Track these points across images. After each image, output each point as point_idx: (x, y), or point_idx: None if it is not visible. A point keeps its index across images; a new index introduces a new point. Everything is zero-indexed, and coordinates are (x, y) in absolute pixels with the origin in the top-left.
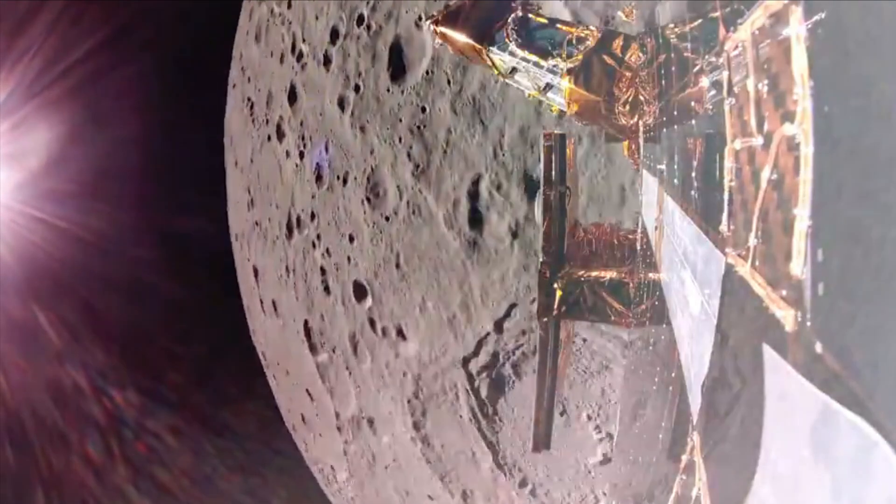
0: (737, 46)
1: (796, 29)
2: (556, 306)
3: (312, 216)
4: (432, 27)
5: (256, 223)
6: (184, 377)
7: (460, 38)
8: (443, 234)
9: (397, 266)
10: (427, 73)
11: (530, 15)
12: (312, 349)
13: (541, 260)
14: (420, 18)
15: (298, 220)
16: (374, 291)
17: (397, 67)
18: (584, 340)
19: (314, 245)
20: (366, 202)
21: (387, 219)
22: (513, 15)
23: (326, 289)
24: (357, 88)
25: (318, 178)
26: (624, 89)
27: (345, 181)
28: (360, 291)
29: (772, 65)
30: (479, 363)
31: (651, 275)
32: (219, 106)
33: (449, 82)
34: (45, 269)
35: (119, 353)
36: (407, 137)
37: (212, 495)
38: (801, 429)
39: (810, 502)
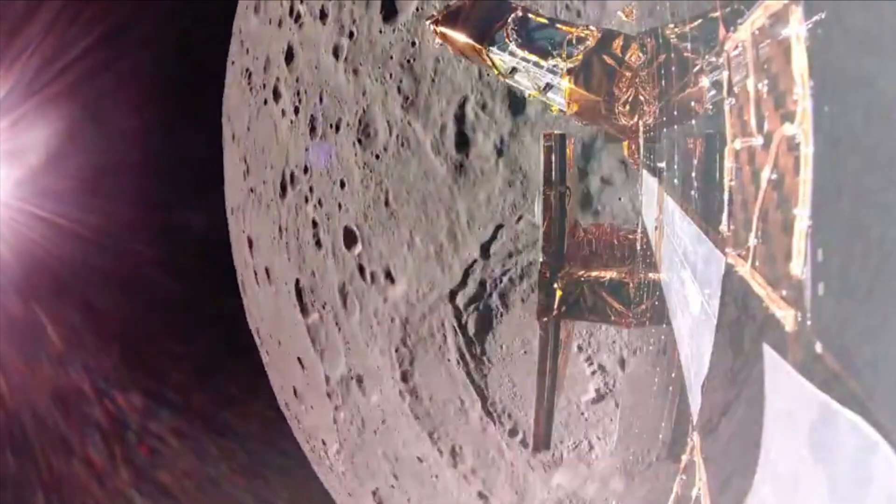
0: (737, 46)
1: (796, 29)
2: (556, 306)
3: (306, 170)
4: (432, 27)
5: (251, 190)
6: (185, 377)
7: (460, 38)
8: (430, 163)
9: (386, 204)
10: (417, 9)
11: (530, 15)
12: (304, 311)
13: (541, 260)
14: None
15: (292, 176)
16: (364, 235)
17: (389, 10)
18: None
19: (307, 199)
20: (357, 144)
21: (377, 157)
22: (513, 15)
23: (318, 242)
24: (351, 35)
25: (312, 129)
26: (624, 89)
27: (337, 128)
28: (350, 238)
29: (772, 65)
30: (467, 295)
31: (651, 275)
32: (218, 102)
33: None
34: (44, 267)
35: (119, 352)
36: (397, 73)
37: (215, 497)
38: (801, 429)
39: (810, 502)
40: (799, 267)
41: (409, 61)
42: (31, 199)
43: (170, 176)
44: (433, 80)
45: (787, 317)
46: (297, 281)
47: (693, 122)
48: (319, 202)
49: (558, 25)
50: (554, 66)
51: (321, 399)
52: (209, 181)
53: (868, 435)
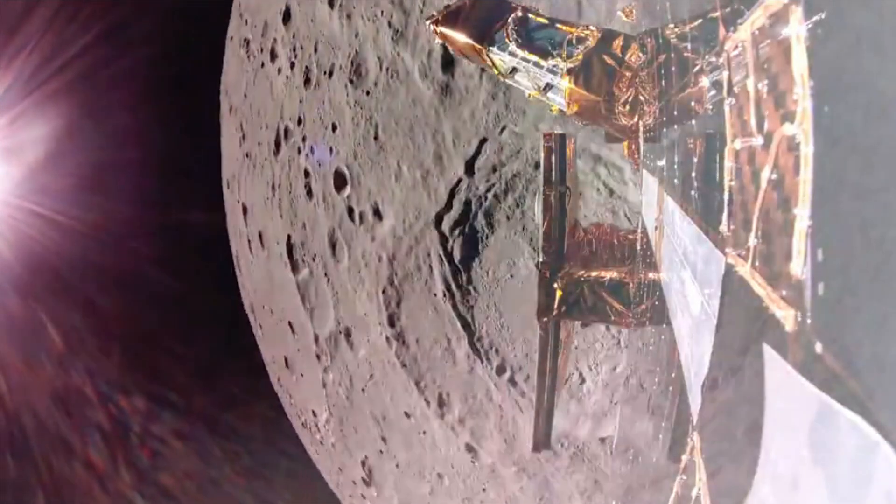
0: (737, 46)
1: (796, 29)
2: (556, 306)
3: (300, 121)
4: (432, 27)
5: (246, 155)
6: (186, 378)
7: (460, 38)
8: (418, 89)
9: (375, 138)
10: None
11: (530, 15)
12: (294, 268)
13: (541, 260)
14: None
15: (286, 130)
16: (353, 175)
17: None
18: None
19: (299, 150)
20: (349, 84)
21: (367, 93)
22: (513, 15)
23: (309, 192)
24: None
25: (307, 80)
26: (624, 89)
27: (330, 74)
28: (340, 181)
29: (772, 65)
30: (452, 218)
31: (651, 275)
32: (218, 101)
33: None
34: (43, 264)
35: (121, 353)
36: (388, 9)
37: (217, 499)
38: (800, 429)
39: (810, 502)
40: (799, 267)
41: None
42: (29, 197)
43: (169, 174)
44: (422, 11)
45: (787, 317)
46: (289, 237)
47: (693, 122)
48: (312, 150)
49: (558, 25)
50: (554, 66)
51: (311, 363)
52: (209, 179)
53: (868, 435)
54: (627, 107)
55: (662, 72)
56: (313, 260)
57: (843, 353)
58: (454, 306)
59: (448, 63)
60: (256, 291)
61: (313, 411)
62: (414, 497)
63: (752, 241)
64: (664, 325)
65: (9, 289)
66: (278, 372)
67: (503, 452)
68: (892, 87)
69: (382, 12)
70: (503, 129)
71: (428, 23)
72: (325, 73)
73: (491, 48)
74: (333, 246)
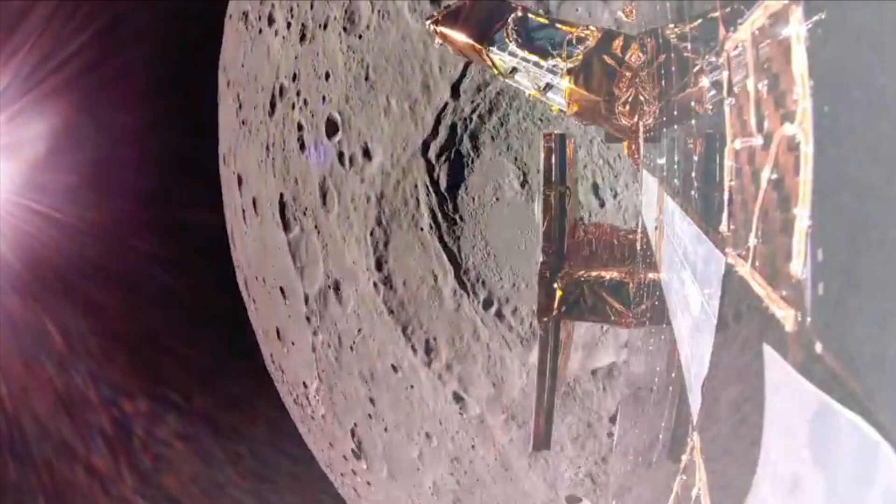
0: (737, 46)
1: (796, 29)
2: (556, 306)
3: (294, 77)
4: (432, 27)
5: (242, 122)
6: (189, 379)
7: (460, 38)
8: (407, 25)
9: (366, 79)
10: None
11: (530, 15)
12: (286, 227)
13: (541, 260)
14: None
15: (281, 88)
16: (345, 119)
17: None
18: None
19: (293, 105)
20: (342, 33)
21: (360, 37)
22: (513, 15)
23: (301, 146)
24: None
25: (302, 37)
26: (624, 89)
27: (325, 26)
28: (331, 128)
29: (772, 65)
30: (438, 144)
31: (651, 275)
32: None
33: None
34: (43, 262)
35: (122, 353)
36: None
37: (221, 502)
38: (801, 429)
39: (810, 502)
40: (799, 267)
41: None
42: (28, 194)
43: (169, 172)
44: None
45: (787, 317)
46: (281, 196)
47: (693, 122)
48: (305, 102)
49: (558, 25)
50: (554, 66)
51: (301, 327)
52: (210, 177)
53: (868, 435)
54: (627, 107)
55: (662, 72)
56: (304, 214)
57: (843, 353)
58: (440, 238)
59: None
60: (250, 264)
61: (304, 383)
62: (402, 464)
63: (752, 241)
64: (664, 325)
65: (8, 287)
66: (270, 347)
67: (491, 398)
68: (892, 85)
69: None
70: None
71: (428, 23)
72: (319, 26)
73: (491, 48)
74: (324, 196)
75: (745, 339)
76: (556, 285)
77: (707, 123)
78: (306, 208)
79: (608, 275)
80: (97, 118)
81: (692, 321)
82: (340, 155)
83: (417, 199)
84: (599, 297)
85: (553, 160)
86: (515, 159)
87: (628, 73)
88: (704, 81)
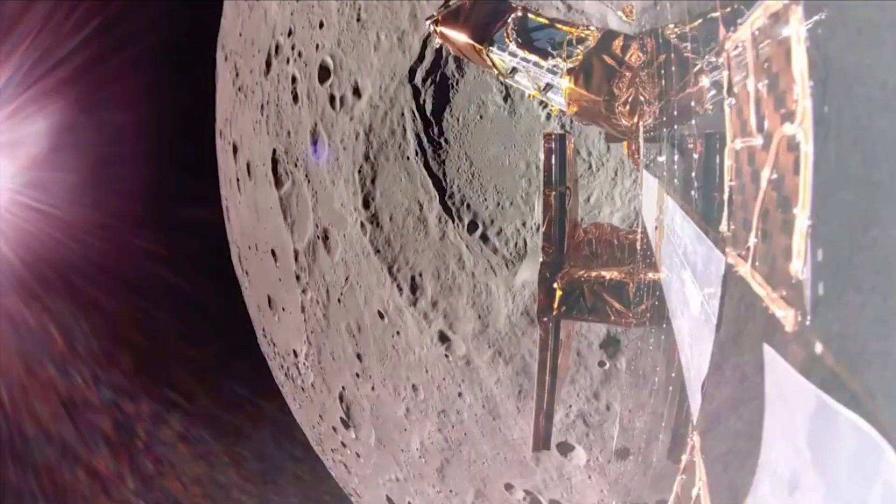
0: (737, 46)
1: (796, 29)
2: (556, 306)
3: (290, 32)
4: (432, 27)
5: (239, 89)
6: (192, 380)
7: (460, 38)
8: None
9: (358, 20)
10: None
11: (530, 15)
12: (278, 184)
13: (541, 260)
14: None
15: (277, 46)
16: (336, 62)
17: None
18: None
19: (288, 60)
20: None
21: None
22: (513, 15)
23: (295, 98)
24: None
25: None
26: (624, 89)
27: None
28: (324, 73)
29: (772, 65)
30: (424, 69)
31: (651, 275)
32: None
33: None
34: (42, 260)
35: (124, 353)
36: None
37: None
38: (801, 429)
39: (810, 502)
40: (799, 267)
41: None
42: (28, 192)
43: (170, 170)
44: None
45: (787, 317)
46: (274, 152)
47: (693, 122)
48: (300, 54)
49: (558, 25)
50: (554, 66)
51: (291, 288)
52: (212, 175)
53: (868, 435)
54: (627, 107)
55: (662, 72)
56: (295, 166)
57: (843, 352)
58: (426, 164)
59: None
60: (243, 233)
61: (294, 351)
62: (390, 426)
63: (752, 240)
64: (664, 325)
65: (6, 285)
66: (263, 321)
67: (477, 333)
68: (893, 80)
69: None
70: None
71: (428, 23)
72: None
73: (491, 48)
74: (315, 141)
75: (746, 339)
76: (556, 285)
77: (707, 123)
78: (297, 159)
79: (608, 275)
80: (97, 116)
81: (692, 321)
82: (332, 98)
83: (404, 128)
84: (599, 297)
85: (553, 160)
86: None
87: (628, 73)
88: (704, 81)
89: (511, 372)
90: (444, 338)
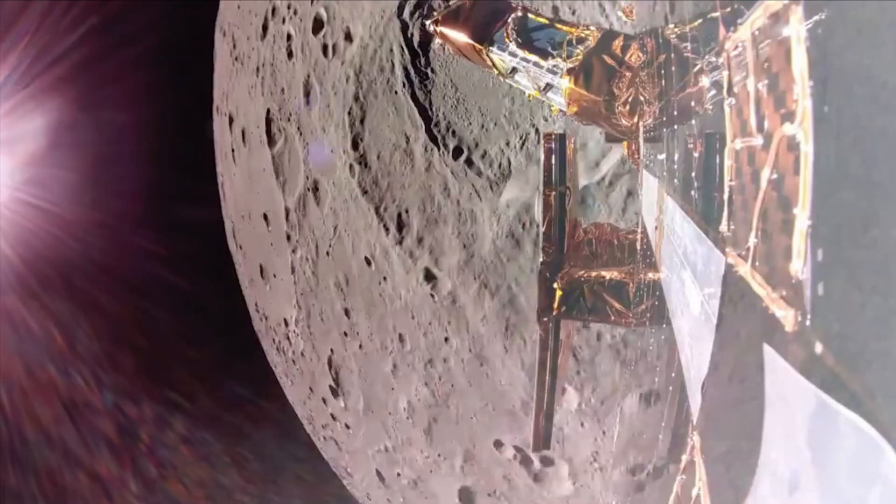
0: (737, 46)
1: (796, 29)
2: (556, 306)
3: None
4: (432, 27)
5: (236, 59)
6: (194, 381)
7: (460, 38)
8: None
9: None
10: None
11: (530, 15)
12: (271, 143)
13: (541, 260)
14: None
15: (274, 9)
16: (330, 13)
17: None
18: None
19: (284, 20)
20: None
21: None
22: (513, 15)
23: (290, 54)
24: None
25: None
26: (624, 89)
27: None
28: (318, 25)
29: (772, 65)
30: (412, 2)
31: (651, 275)
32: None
33: None
34: (41, 259)
35: (125, 353)
36: None
37: None
38: (801, 429)
39: (810, 502)
40: (799, 267)
41: None
42: (27, 189)
43: (170, 169)
44: None
45: (787, 317)
46: (268, 112)
47: (693, 122)
48: (295, 12)
49: (558, 25)
50: (554, 66)
51: (281, 250)
52: (211, 176)
53: (868, 435)
54: (627, 107)
55: (662, 72)
56: (288, 121)
57: (843, 353)
58: (413, 95)
59: None
60: (237, 203)
61: (285, 320)
62: (378, 386)
63: (752, 240)
64: (664, 325)
65: (5, 283)
66: (255, 294)
67: (462, 265)
68: (893, 80)
69: None
70: None
71: (428, 23)
72: None
73: (491, 48)
74: (308, 95)
75: (746, 339)
76: (556, 285)
77: (707, 123)
78: (290, 114)
79: (608, 275)
80: (97, 115)
81: (692, 321)
82: (325, 47)
83: (392, 63)
84: (599, 297)
85: (553, 160)
86: None
87: (628, 73)
88: (704, 81)
89: (497, 305)
90: (429, 276)
